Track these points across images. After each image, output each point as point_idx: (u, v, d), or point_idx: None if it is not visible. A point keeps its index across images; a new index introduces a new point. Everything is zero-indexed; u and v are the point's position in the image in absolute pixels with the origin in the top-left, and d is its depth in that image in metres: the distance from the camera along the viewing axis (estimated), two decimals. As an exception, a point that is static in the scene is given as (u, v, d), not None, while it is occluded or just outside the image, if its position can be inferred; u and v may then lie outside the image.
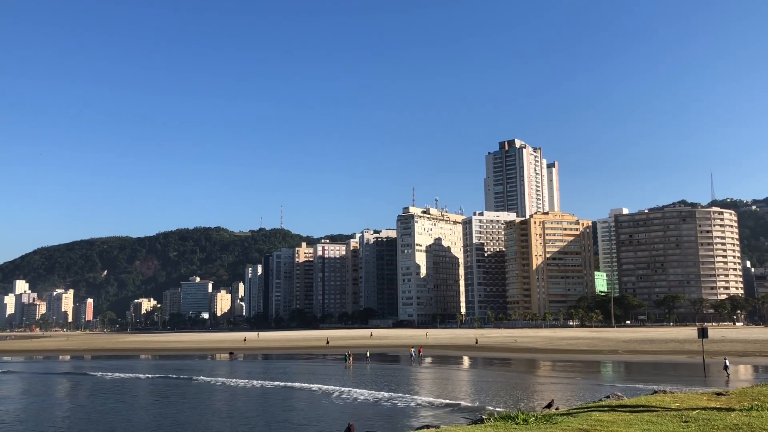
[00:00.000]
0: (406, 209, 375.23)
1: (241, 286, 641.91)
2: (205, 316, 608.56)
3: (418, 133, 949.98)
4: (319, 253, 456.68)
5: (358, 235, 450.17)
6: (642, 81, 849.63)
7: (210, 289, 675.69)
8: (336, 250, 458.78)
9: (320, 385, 59.36)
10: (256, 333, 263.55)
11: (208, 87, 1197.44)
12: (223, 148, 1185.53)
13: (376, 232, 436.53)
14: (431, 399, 48.44)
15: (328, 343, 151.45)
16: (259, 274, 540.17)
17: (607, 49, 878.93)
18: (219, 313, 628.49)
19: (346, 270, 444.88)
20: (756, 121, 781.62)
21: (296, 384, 61.59)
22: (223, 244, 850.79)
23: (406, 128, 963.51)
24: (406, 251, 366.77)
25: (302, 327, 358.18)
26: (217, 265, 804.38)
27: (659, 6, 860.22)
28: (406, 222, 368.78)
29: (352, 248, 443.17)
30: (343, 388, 56.04)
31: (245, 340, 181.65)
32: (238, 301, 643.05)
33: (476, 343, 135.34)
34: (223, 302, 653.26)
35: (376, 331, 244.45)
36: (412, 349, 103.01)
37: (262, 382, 64.91)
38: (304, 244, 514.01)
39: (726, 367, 59.35)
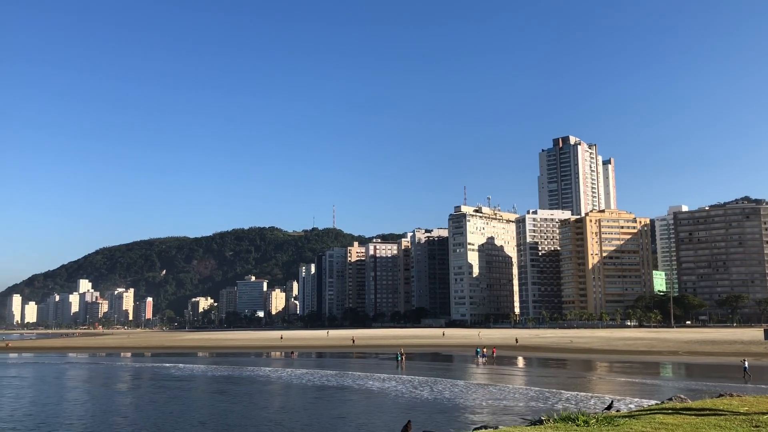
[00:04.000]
0: (457, 208, 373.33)
1: (295, 285, 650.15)
2: (261, 314, 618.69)
3: (471, 131, 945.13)
4: (371, 252, 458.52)
5: (409, 235, 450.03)
6: (698, 76, 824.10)
7: (265, 288, 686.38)
8: (388, 250, 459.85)
9: (377, 383, 59.53)
10: (312, 331, 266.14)
11: (265, 87, 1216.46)
12: (276, 149, 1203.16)
13: (427, 231, 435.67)
14: (485, 399, 47.99)
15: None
16: (312, 273, 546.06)
17: (662, 45, 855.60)
18: (274, 312, 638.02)
19: (397, 269, 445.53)
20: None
21: (352, 382, 61.91)
22: (277, 244, 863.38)
23: (458, 127, 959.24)
24: (458, 250, 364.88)
25: (355, 326, 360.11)
26: (272, 264, 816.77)
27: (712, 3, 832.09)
28: (457, 221, 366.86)
29: (403, 247, 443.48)
30: (400, 387, 56.07)
31: (281, 338, 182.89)
32: (293, 299, 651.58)
33: (516, 342, 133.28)
34: (277, 301, 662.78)
35: (427, 331, 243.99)
36: (485, 349, 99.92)
37: (319, 378, 65.61)
38: (356, 244, 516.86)
39: (745, 369, 57.70)
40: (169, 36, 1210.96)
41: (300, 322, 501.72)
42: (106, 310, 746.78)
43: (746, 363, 60.64)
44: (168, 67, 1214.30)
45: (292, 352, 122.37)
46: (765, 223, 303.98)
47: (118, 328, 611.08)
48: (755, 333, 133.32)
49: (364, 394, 52.59)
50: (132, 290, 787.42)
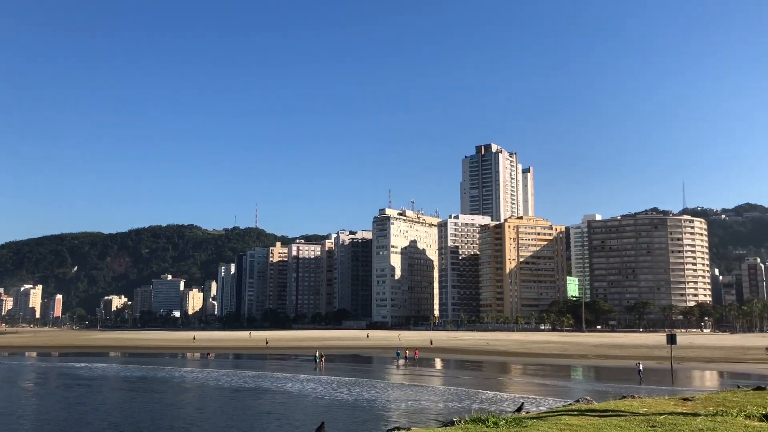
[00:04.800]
0: (382, 211, 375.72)
1: (214, 285, 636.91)
2: (177, 314, 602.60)
3: (396, 135, 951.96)
4: (294, 253, 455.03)
5: (333, 236, 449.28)
6: (617, 90, 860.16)
7: (182, 288, 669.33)
8: (311, 251, 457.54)
9: (296, 385, 59.15)
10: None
11: (188, 80, 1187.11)
12: (198, 145, 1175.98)
13: (351, 233, 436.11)
14: (403, 400, 48.53)
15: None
16: (232, 273, 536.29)
17: (583, 56, 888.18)
18: (191, 312, 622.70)
19: (320, 270, 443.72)
20: (727, 133, 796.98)
21: (269, 384, 61.28)
22: (196, 242, 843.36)
23: (383, 131, 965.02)
24: (381, 253, 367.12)
25: (275, 327, 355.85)
26: (190, 263, 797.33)
27: (642, 7, 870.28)
28: (381, 224, 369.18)
29: (327, 249, 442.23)
30: (319, 388, 55.92)
31: (194, 338, 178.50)
32: (211, 300, 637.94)
33: (431, 344, 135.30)
34: (194, 301, 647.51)
35: (349, 332, 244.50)
36: (407, 351, 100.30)
37: (236, 379, 64.57)
38: (278, 244, 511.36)
39: (639, 371, 61.33)
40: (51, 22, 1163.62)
41: (218, 323, 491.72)
42: (10, 307, 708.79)
43: (640, 366, 64.19)
44: (75, 56, 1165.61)
45: (209, 353, 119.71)
46: (671, 234, 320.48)
47: (23, 327, 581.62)
48: (659, 338, 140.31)
49: (283, 396, 52.19)
50: (40, 287, 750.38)
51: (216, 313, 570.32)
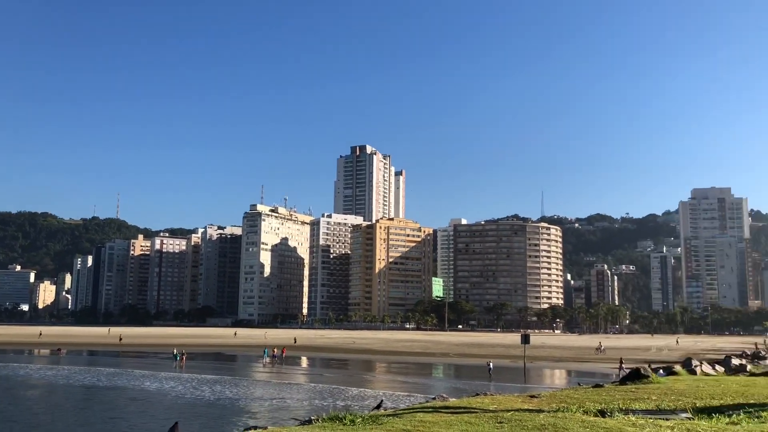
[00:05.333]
0: (253, 206, 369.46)
1: (69, 278, 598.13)
2: (25, 308, 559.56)
3: (271, 131, 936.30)
4: (157, 246, 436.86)
5: (200, 231, 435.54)
6: (486, 98, 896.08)
7: (32, 279, 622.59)
8: (176, 245, 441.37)
9: (155, 383, 56.72)
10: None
11: (49, 62, 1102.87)
12: (56, 128, 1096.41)
13: (220, 228, 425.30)
14: (267, 399, 47.96)
15: (120, 340, 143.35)
16: (89, 265, 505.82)
17: (457, 63, 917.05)
18: (41, 306, 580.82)
19: (185, 266, 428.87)
20: (582, 148, 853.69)
21: (126, 382, 58.39)
22: (50, 232, 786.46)
23: (258, 126, 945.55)
24: (250, 249, 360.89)
25: (133, 323, 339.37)
26: (42, 253, 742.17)
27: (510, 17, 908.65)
28: (252, 219, 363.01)
29: (193, 244, 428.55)
30: (180, 387, 53.96)
31: (40, 334, 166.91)
32: (64, 293, 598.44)
33: (295, 342, 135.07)
34: (46, 294, 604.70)
35: (213, 330, 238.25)
36: (275, 349, 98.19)
37: (89, 377, 60.88)
38: (141, 237, 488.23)
39: (490, 370, 65.01)
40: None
41: (71, 318, 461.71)
42: None
43: (491, 365, 67.66)
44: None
45: (60, 349, 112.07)
46: (530, 240, 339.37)
47: None
48: (514, 338, 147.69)
49: (140, 395, 49.90)
50: None
51: (70, 307, 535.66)
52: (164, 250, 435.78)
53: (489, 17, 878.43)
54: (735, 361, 37.80)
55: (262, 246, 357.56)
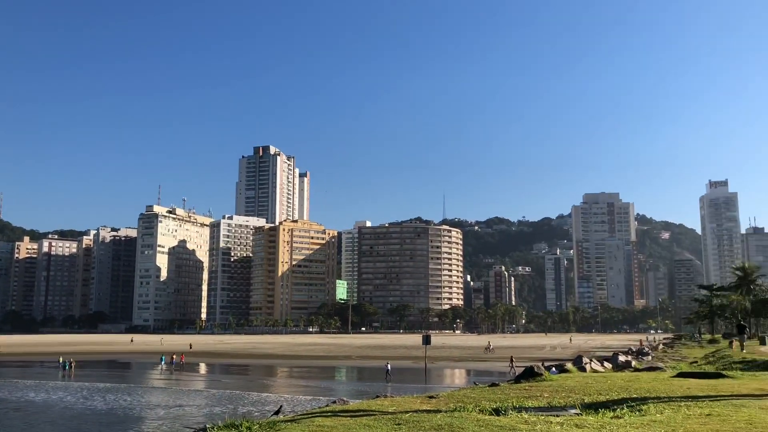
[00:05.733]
0: (149, 207, 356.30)
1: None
2: None
3: (170, 130, 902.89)
4: (45, 249, 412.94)
5: (92, 233, 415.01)
6: (390, 103, 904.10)
7: None
8: (66, 248, 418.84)
9: (41, 394, 53.40)
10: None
11: None
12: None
13: (114, 230, 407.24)
14: (163, 406, 46.26)
15: None
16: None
17: (363, 64, 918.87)
18: None
19: (76, 270, 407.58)
20: (482, 153, 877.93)
21: (7, 394, 54.66)
22: None
23: (156, 125, 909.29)
24: (146, 252, 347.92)
25: (18, 331, 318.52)
26: None
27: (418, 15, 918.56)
28: (148, 221, 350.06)
29: (85, 246, 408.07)
30: (69, 397, 51.06)
31: None
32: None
33: (191, 348, 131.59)
34: None
35: (107, 337, 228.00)
36: (174, 356, 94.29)
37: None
38: (27, 239, 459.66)
39: (387, 371, 65.45)
40: None
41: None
42: None
43: (389, 366, 68.12)
44: None
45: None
46: (431, 242, 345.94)
47: None
48: (416, 338, 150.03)
49: (24, 406, 46.89)
50: None
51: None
52: (53, 253, 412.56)
53: (395, 15, 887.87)
54: (621, 358, 39.98)
55: (158, 249, 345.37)
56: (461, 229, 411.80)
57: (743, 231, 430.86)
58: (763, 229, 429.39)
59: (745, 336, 55.08)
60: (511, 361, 71.22)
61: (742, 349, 49.16)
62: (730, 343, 58.97)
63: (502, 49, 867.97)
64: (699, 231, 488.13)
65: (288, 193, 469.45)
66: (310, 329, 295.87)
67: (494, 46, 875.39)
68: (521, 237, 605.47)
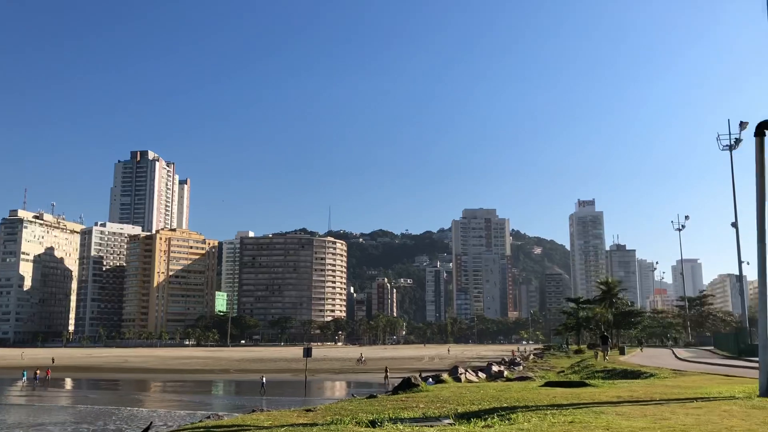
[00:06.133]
0: (13, 212, 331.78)
1: None
2: None
3: (38, 130, 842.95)
4: None
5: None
6: (274, 108, 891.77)
7: None
8: None
9: None
10: None
11: None
12: None
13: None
14: (24, 425, 42.96)
15: None
16: None
17: (251, 69, 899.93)
18: None
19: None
20: (367, 166, 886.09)
21: None
22: None
23: (23, 123, 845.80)
24: (8, 260, 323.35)
25: None
26: None
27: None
28: (11, 226, 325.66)
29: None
30: None
31: None
32: None
33: (53, 362, 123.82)
34: None
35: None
36: (38, 371, 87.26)
37: None
38: None
39: (263, 384, 65.05)
40: None
41: None
42: None
43: (264, 379, 67.31)
44: None
45: None
46: (316, 253, 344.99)
47: None
48: (297, 351, 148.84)
49: None
50: None
51: None
52: None
53: (278, 17, 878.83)
54: (495, 368, 41.53)
55: (22, 256, 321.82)
56: (346, 241, 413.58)
57: (607, 247, 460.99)
58: (624, 246, 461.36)
59: (608, 346, 58.90)
60: (386, 372, 72.09)
61: (605, 359, 52.51)
62: (595, 353, 62.68)
63: (384, 57, 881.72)
64: (568, 247, 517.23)
65: (167, 201, 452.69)
66: (187, 342, 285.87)
67: (376, 53, 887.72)
68: (404, 249, 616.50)
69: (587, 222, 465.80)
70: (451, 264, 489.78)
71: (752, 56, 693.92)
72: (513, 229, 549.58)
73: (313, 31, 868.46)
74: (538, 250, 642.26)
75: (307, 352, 69.24)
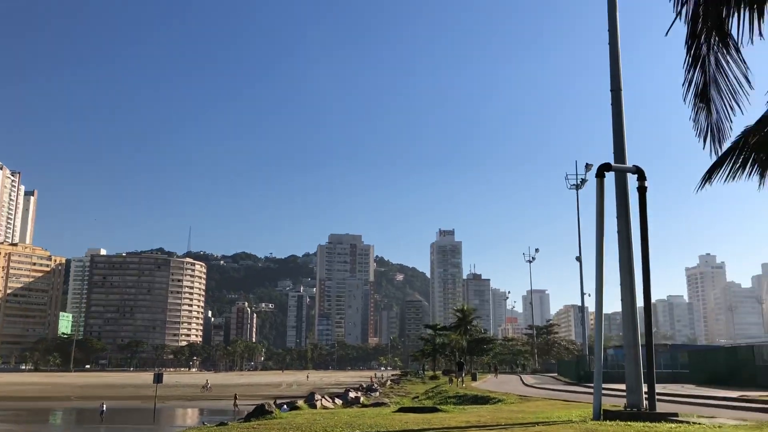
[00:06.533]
0: None
1: None
2: None
3: None
4: None
5: None
6: (129, 118, 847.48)
7: None
8: None
9: None
10: None
11: None
12: None
13: None
14: None
15: None
16: None
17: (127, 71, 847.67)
18: None
19: None
20: (232, 186, 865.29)
21: None
22: None
23: None
24: None
25: None
26: None
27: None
28: None
29: None
30: None
31: None
32: None
33: None
34: None
35: None
36: None
37: None
38: None
39: (102, 412, 61.99)
40: None
41: None
42: None
43: (104, 406, 63.46)
44: None
45: None
46: (173, 275, 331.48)
47: None
48: (148, 377, 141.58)
49: None
50: None
51: None
52: None
53: (110, 20, 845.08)
54: (352, 394, 41.62)
55: None
56: (207, 263, 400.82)
57: (465, 276, 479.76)
58: (480, 275, 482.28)
59: (463, 372, 60.94)
60: (235, 399, 70.91)
61: (461, 384, 54.22)
62: (450, 379, 64.61)
63: (243, 83, 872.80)
64: (429, 275, 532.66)
65: (9, 213, 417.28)
66: (23, 367, 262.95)
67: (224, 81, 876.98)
68: (267, 273, 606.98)
69: (447, 251, 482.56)
70: (314, 289, 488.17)
71: (593, 99, 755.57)
72: (377, 256, 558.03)
73: (151, 45, 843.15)
74: (400, 277, 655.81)
75: (158, 378, 66.23)
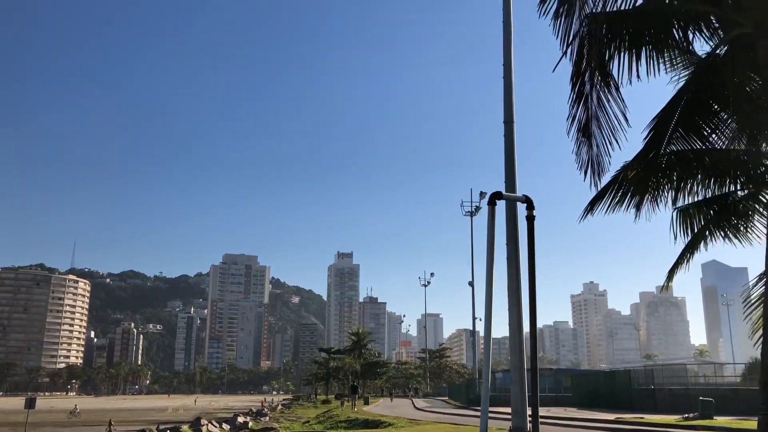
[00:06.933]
0: None
1: None
2: None
3: None
4: None
5: None
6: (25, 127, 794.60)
7: None
8: None
9: None
10: None
11: None
12: None
13: None
14: None
15: None
16: None
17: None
18: None
19: None
20: (119, 201, 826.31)
21: None
22: None
23: None
24: None
25: None
26: None
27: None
28: None
29: None
30: None
31: None
32: None
33: None
34: None
35: None
36: None
37: None
38: None
39: None
40: None
41: None
42: None
43: None
44: None
45: None
46: (54, 293, 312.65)
47: None
48: (19, 402, 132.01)
49: None
50: None
51: None
52: None
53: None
54: (240, 419, 40.54)
55: None
56: (91, 281, 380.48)
57: (361, 299, 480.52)
58: (377, 298, 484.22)
59: (357, 396, 60.74)
60: (110, 424, 67.38)
61: (354, 408, 53.94)
62: (342, 403, 64.21)
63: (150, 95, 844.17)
64: (325, 297, 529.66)
65: None
66: None
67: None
68: (156, 293, 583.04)
69: (345, 274, 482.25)
70: (206, 310, 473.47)
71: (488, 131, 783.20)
72: (273, 277, 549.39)
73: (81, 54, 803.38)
74: (296, 299, 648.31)
75: (30, 403, 61.78)
